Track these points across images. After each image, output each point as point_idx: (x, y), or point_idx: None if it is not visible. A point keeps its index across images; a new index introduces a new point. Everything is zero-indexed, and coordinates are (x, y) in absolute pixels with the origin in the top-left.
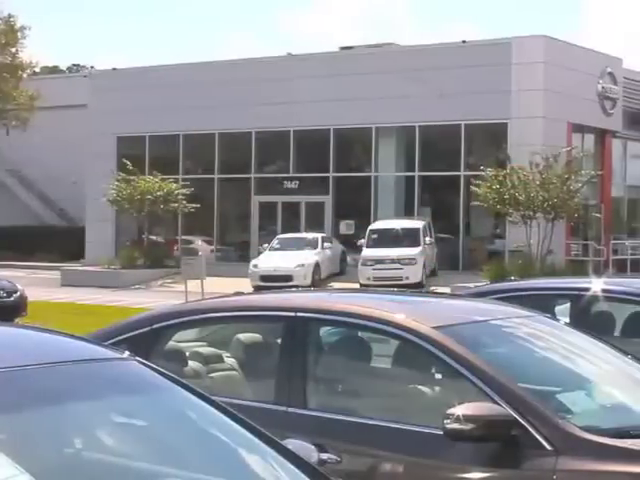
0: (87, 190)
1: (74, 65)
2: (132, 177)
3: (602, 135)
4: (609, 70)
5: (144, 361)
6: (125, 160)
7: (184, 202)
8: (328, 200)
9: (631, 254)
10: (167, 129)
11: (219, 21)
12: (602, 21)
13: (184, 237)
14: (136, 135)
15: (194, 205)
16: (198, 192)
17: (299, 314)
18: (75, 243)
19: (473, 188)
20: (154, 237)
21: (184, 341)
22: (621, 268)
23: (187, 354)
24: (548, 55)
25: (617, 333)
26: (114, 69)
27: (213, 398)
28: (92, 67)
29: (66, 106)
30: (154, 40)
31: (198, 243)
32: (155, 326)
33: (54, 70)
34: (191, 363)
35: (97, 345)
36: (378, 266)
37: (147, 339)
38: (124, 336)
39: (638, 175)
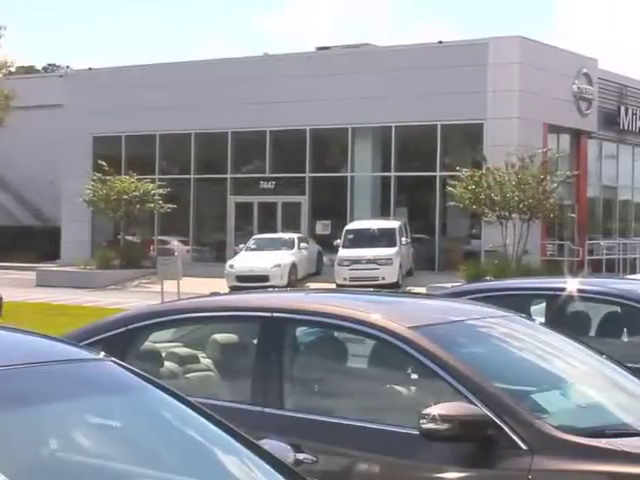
0: (63, 190)
1: (50, 65)
2: (108, 177)
3: (577, 136)
4: (585, 71)
5: (119, 362)
6: (101, 161)
7: (160, 202)
8: (304, 200)
9: (606, 254)
10: (143, 129)
11: (195, 21)
12: (578, 22)
13: (160, 237)
14: (112, 135)
15: (170, 205)
16: (174, 192)
17: (275, 314)
18: (51, 243)
19: (449, 188)
20: (130, 237)
21: (160, 342)
22: (596, 268)
23: (163, 354)
24: (524, 56)
25: (592, 333)
26: (90, 69)
27: (189, 399)
28: (68, 67)
29: (42, 106)
30: (130, 40)
31: (174, 243)
32: (131, 327)
33: (30, 70)
34: (167, 364)
35: (72, 346)
36: (354, 266)
37: (123, 340)
38: (99, 337)
39: (613, 176)
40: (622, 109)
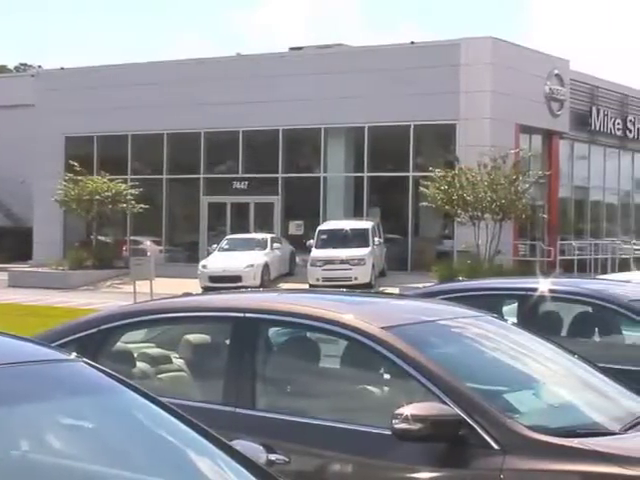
0: (35, 190)
1: (22, 64)
2: (80, 177)
3: (549, 136)
4: (556, 72)
5: (91, 362)
6: (72, 161)
7: (133, 202)
8: (277, 201)
9: (578, 254)
10: (115, 129)
11: (168, 21)
12: (550, 23)
13: (133, 238)
14: (84, 135)
15: (143, 206)
16: (147, 192)
17: (248, 315)
18: (23, 244)
19: (422, 189)
20: (102, 238)
21: (132, 342)
22: (568, 268)
23: (135, 355)
24: (496, 57)
25: (564, 333)
26: (62, 69)
27: (161, 399)
28: (40, 67)
29: (13, 106)
30: (103, 40)
31: (147, 244)
32: (103, 327)
33: (1, 69)
34: (139, 364)
35: (44, 346)
36: (327, 267)
37: (95, 340)
38: (72, 337)
39: (585, 176)
40: (593, 110)
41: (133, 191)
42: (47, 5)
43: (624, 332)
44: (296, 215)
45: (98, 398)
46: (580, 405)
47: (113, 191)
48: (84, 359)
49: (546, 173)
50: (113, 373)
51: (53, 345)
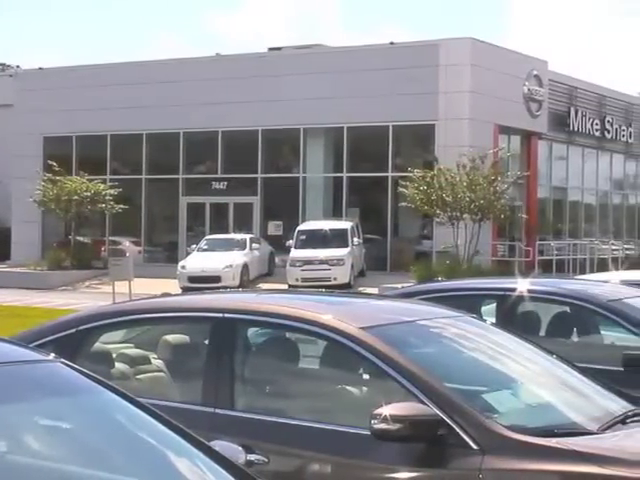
0: (13, 190)
1: (0, 64)
2: (59, 178)
3: (528, 137)
4: (535, 73)
5: (69, 363)
6: (51, 161)
7: (112, 203)
8: (256, 201)
9: (556, 255)
10: (94, 129)
11: (147, 21)
12: (528, 24)
13: (112, 238)
14: (63, 135)
15: (122, 206)
16: (126, 193)
17: (227, 315)
18: (1, 244)
19: (401, 189)
20: (81, 238)
21: (111, 343)
22: (546, 269)
23: (114, 356)
24: (475, 57)
25: (542, 333)
26: (40, 69)
27: (140, 400)
28: (18, 66)
29: None
30: (81, 40)
31: (126, 244)
32: (81, 328)
33: None
34: (118, 365)
35: (21, 347)
36: (306, 267)
37: (73, 341)
38: (50, 338)
39: (563, 177)
40: (572, 111)
41: (112, 191)
42: (26, 5)
43: (602, 332)
44: (275, 215)
45: (76, 399)
46: (558, 405)
47: (92, 191)
48: (62, 360)
49: (525, 173)
50: (91, 374)
51: (31, 346)
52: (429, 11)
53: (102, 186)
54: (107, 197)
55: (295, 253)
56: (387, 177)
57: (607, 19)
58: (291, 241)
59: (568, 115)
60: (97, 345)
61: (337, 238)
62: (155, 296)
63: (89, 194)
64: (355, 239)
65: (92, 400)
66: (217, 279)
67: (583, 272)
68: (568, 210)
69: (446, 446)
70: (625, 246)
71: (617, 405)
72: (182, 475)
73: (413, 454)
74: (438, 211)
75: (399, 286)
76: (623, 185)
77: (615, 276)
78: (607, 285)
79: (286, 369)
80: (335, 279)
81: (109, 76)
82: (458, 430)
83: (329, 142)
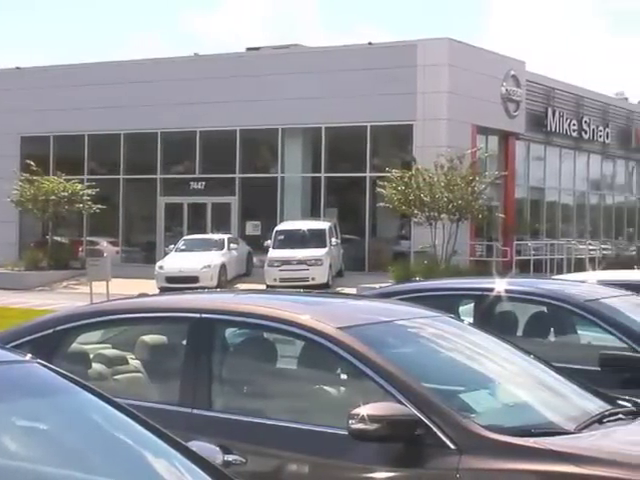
0: None
1: None
2: (36, 177)
3: (506, 137)
4: (512, 73)
5: (46, 363)
6: (29, 161)
7: (89, 203)
8: (234, 201)
9: (534, 255)
10: (72, 129)
11: (125, 20)
12: (506, 25)
13: (89, 238)
14: (40, 135)
15: (99, 206)
16: (103, 193)
17: (204, 315)
18: None
19: (379, 189)
20: (59, 238)
21: (88, 343)
22: (524, 269)
23: (91, 356)
24: (452, 58)
25: (520, 333)
26: (18, 68)
27: (117, 400)
28: None
29: None
30: (58, 39)
31: (103, 244)
32: (59, 328)
33: None
34: (95, 365)
35: None
36: (284, 267)
37: (50, 341)
38: (27, 339)
39: (541, 177)
40: (549, 111)
41: (89, 191)
42: (2, 4)
43: (579, 332)
44: (253, 215)
45: (53, 399)
46: (536, 404)
47: (69, 191)
48: (39, 360)
49: (502, 174)
50: (68, 374)
51: (7, 346)
52: (407, 11)
53: (79, 186)
54: (84, 197)
55: (273, 253)
56: (365, 177)
57: (584, 20)
58: (269, 241)
59: (545, 116)
60: (74, 346)
61: (315, 238)
62: (133, 296)
63: (66, 194)
64: (333, 239)
65: (69, 401)
66: (195, 279)
67: (560, 272)
68: (545, 210)
69: (424, 446)
70: (602, 246)
71: (594, 405)
72: (159, 475)
73: (391, 454)
74: (416, 211)
75: (377, 286)
76: (600, 185)
77: (592, 276)
78: (584, 285)
79: (264, 369)
80: (313, 279)
81: (87, 76)
82: (435, 430)
83: (307, 142)
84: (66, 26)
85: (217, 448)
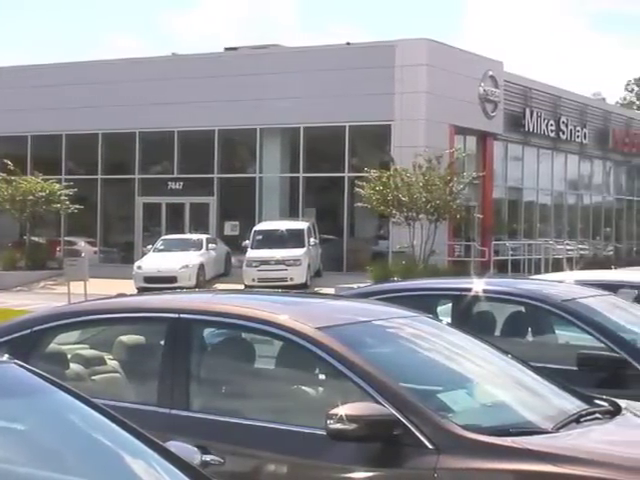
0: None
1: None
2: (13, 177)
3: (484, 137)
4: (490, 73)
5: (23, 364)
6: (6, 160)
7: (67, 203)
8: (212, 201)
9: (511, 255)
10: (49, 129)
11: (103, 20)
12: (484, 25)
13: (67, 238)
14: (18, 135)
15: (77, 206)
16: (81, 193)
17: (182, 316)
18: None
19: (357, 189)
20: (36, 238)
21: (66, 344)
22: (502, 269)
23: (69, 356)
24: (430, 58)
25: (497, 333)
26: None
27: (95, 401)
28: None
29: None
30: (35, 39)
31: (81, 244)
32: (36, 328)
33: None
34: (73, 365)
35: None
36: (263, 267)
37: (27, 342)
38: (4, 339)
39: (519, 177)
40: (527, 111)
41: (67, 191)
42: None
43: (557, 332)
44: (231, 216)
45: (30, 400)
46: (513, 404)
47: (47, 191)
48: (16, 361)
49: (480, 174)
50: (45, 375)
51: None
52: (385, 12)
53: (57, 186)
54: (62, 197)
55: (251, 253)
56: (343, 177)
57: (562, 20)
58: (247, 241)
59: (523, 116)
60: (52, 346)
61: (293, 238)
62: (111, 297)
63: (44, 194)
64: (311, 239)
65: (46, 401)
66: (173, 279)
67: (538, 272)
68: (523, 210)
69: (401, 446)
70: (579, 246)
71: (571, 404)
72: (137, 476)
73: (369, 454)
74: (394, 211)
75: (355, 286)
76: (578, 185)
77: (569, 276)
78: (561, 285)
79: (242, 369)
80: (292, 279)
81: (64, 76)
82: (413, 430)
83: (286, 142)
84: (44, 26)
85: (195, 448)
